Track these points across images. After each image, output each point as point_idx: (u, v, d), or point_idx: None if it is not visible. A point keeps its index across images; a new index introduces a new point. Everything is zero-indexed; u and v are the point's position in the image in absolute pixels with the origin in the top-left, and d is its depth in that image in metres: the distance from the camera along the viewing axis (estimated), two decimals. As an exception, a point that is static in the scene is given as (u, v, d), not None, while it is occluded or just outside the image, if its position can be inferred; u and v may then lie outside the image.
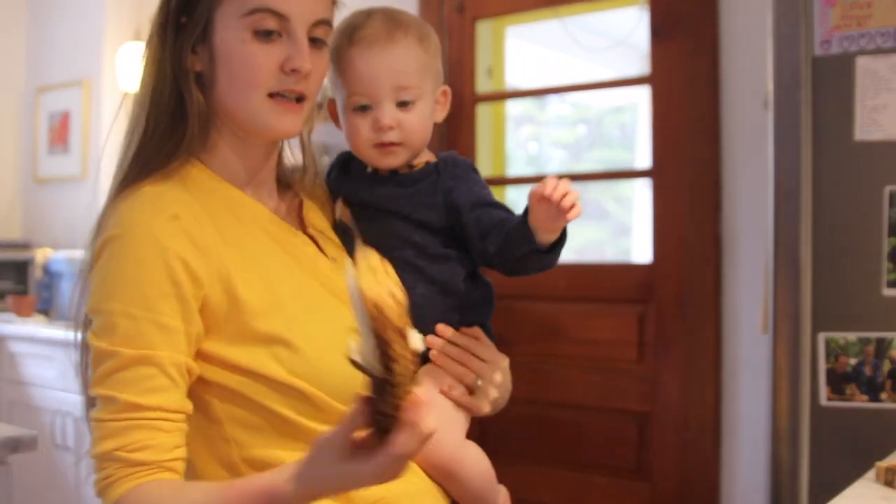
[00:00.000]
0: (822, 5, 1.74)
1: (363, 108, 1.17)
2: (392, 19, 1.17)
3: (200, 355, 1.03)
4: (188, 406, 1.01)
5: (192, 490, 0.99)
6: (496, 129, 3.26)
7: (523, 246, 1.11)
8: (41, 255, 4.00)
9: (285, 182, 1.23)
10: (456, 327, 1.20)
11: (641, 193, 4.19)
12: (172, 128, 1.07)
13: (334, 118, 1.23)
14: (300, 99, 1.09)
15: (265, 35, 1.05)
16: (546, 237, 1.10)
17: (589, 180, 4.23)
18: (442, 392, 1.16)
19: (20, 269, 4.00)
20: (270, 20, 1.04)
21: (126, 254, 0.99)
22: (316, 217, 1.23)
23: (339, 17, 1.20)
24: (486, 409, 1.20)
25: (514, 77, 3.81)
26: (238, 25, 1.04)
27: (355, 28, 1.16)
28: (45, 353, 3.46)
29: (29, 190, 4.42)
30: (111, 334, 0.98)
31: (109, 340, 0.98)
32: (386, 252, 0.95)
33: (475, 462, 1.18)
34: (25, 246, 4.09)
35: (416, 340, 0.82)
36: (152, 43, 1.09)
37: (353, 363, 0.82)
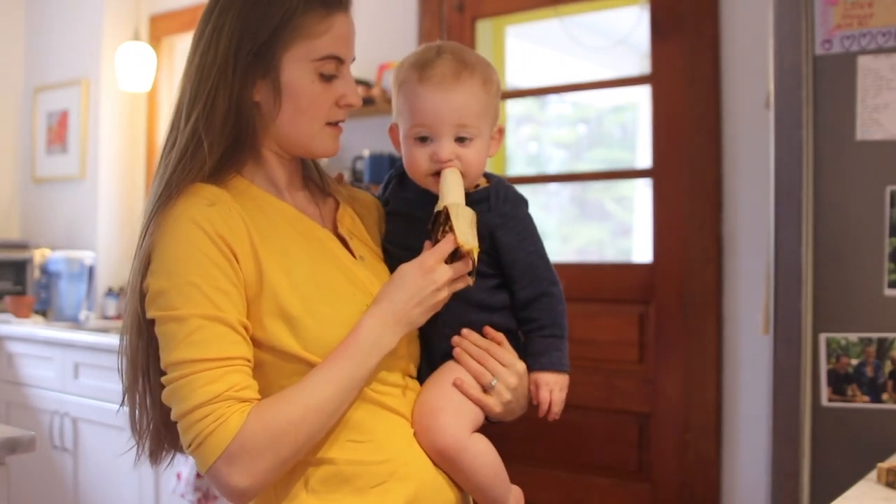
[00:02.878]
0: (824, 4, 1.74)
1: (423, 140, 1.27)
2: (460, 60, 1.27)
3: None
4: (253, 357, 1.14)
5: (299, 383, 1.12)
6: (496, 129, 3.25)
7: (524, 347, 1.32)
8: (39, 255, 3.99)
9: (326, 191, 1.36)
10: (479, 329, 1.28)
11: (642, 193, 4.18)
12: (229, 151, 1.19)
13: (395, 143, 1.33)
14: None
15: (328, 77, 1.21)
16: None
17: (589, 180, 4.23)
18: (455, 384, 1.24)
19: (18, 270, 3.99)
20: (332, 65, 1.21)
21: (176, 238, 1.12)
22: (350, 221, 1.34)
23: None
24: (497, 408, 1.26)
25: (514, 77, 3.81)
26: (308, 68, 1.20)
27: (425, 65, 1.26)
28: (43, 353, 3.45)
29: (27, 190, 4.41)
30: (182, 304, 1.10)
31: (181, 310, 1.09)
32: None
33: (480, 453, 1.23)
34: (23, 246, 4.08)
35: (459, 237, 1.17)
36: (225, 73, 1.18)
37: (437, 212, 1.20)
